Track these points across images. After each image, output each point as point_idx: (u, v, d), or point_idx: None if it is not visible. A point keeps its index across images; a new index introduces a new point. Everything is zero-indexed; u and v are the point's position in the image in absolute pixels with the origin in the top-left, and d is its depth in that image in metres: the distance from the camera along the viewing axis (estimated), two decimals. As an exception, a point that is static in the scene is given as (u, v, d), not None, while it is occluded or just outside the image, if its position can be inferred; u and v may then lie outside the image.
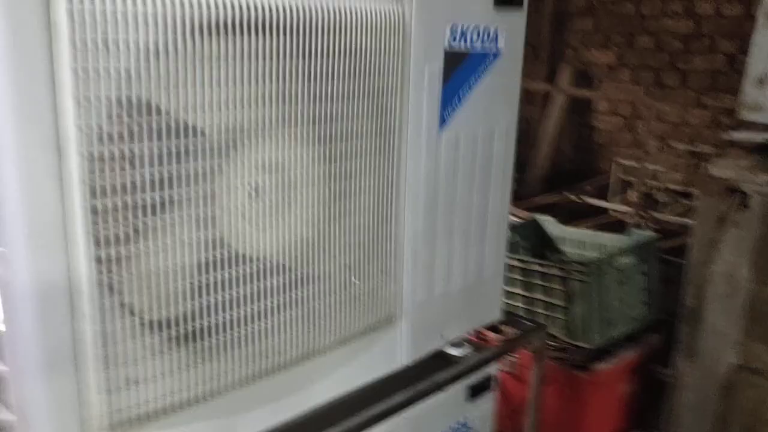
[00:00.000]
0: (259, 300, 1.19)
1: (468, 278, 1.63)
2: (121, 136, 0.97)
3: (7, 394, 1.08)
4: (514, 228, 3.53)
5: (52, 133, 0.90)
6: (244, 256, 1.16)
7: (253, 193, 1.15)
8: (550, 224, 3.55)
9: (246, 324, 1.18)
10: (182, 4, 0.99)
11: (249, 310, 1.18)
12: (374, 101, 1.30)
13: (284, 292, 1.23)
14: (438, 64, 1.40)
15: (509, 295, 3.18)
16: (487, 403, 1.84)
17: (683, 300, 2.76)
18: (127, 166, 0.99)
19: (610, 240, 3.25)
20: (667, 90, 4.57)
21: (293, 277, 1.24)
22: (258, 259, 1.18)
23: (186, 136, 1.04)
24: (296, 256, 1.24)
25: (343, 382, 1.42)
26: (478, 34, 1.46)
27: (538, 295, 3.07)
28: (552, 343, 3.07)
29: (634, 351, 3.08)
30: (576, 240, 3.40)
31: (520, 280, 3.13)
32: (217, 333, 1.15)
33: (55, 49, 0.88)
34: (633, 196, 3.81)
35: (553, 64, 5.22)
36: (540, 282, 3.05)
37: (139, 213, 1.01)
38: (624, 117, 4.86)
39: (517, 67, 1.59)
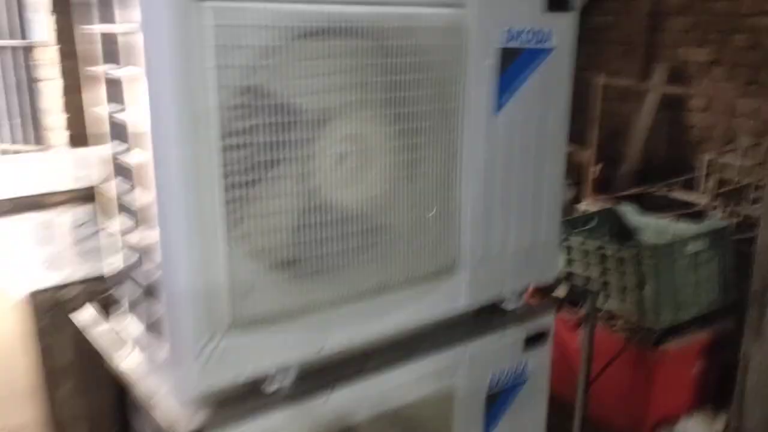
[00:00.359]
0: (343, 240, 1.55)
1: (524, 240, 1.93)
2: (247, 113, 1.36)
3: (164, 318, 1.49)
4: (593, 216, 3.75)
5: (201, 109, 1.29)
6: (332, 205, 1.52)
7: (339, 158, 1.51)
8: (629, 213, 3.73)
9: (333, 258, 1.54)
10: (290, 16, 1.36)
11: (335, 247, 1.54)
12: (439, 89, 1.63)
13: (363, 235, 1.58)
14: (494, 60, 1.71)
15: (585, 278, 3.41)
16: (543, 355, 2.12)
17: (751, 284, 2.90)
18: (250, 134, 1.37)
19: (686, 228, 3.41)
20: (762, 88, 4.59)
21: (370, 224, 1.59)
22: (343, 209, 1.54)
23: (290, 113, 1.41)
24: (372, 209, 1.59)
25: (411, 316, 1.75)
26: (532, 35, 1.76)
27: (613, 279, 3.28)
28: (624, 324, 3.28)
29: (705, 333, 3.23)
30: (653, 228, 3.57)
31: (596, 264, 3.34)
32: (311, 263, 1.51)
33: (205, 49, 1.27)
34: (713, 188, 3.90)
35: (649, 63, 5.33)
36: (614, 266, 3.26)
37: (257, 168, 1.39)
38: (718, 114, 4.91)
39: (569, 60, 1.87)
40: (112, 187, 1.61)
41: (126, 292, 1.68)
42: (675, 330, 3.20)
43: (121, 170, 1.56)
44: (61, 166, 3.64)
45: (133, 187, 1.50)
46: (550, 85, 1.86)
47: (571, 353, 3.45)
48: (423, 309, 1.78)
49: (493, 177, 1.81)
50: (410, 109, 1.60)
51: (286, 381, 1.55)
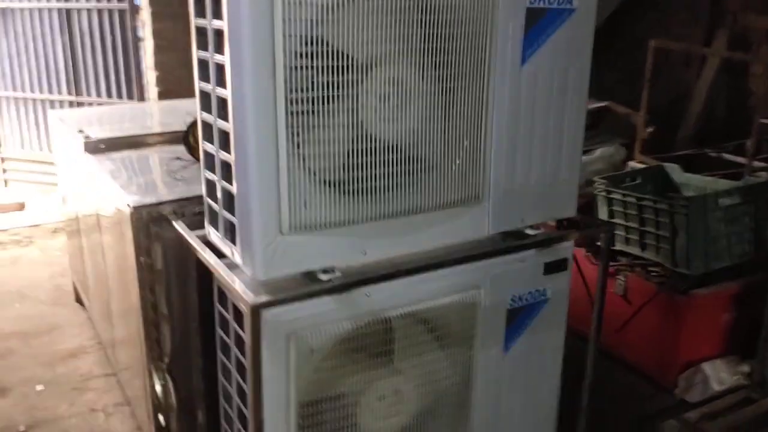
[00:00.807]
0: (383, 167, 1.89)
1: (545, 177, 2.22)
2: (309, 57, 1.70)
3: (236, 210, 1.87)
4: (639, 173, 3.96)
5: (269, 50, 1.64)
6: (376, 137, 1.86)
7: (383, 98, 1.84)
8: (674, 171, 3.93)
9: (374, 181, 1.88)
10: (343, -21, 1.69)
11: (377, 172, 1.88)
12: (470, 42, 1.93)
13: (401, 164, 1.92)
14: (520, 19, 1.99)
15: (623, 227, 3.65)
16: (562, 280, 2.41)
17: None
18: (310, 74, 1.72)
19: (726, 185, 3.59)
20: (824, 54, 4.62)
21: (407, 155, 1.92)
22: (385, 141, 1.88)
23: (343, 58, 1.75)
24: (410, 142, 1.92)
25: (441, 236, 2.09)
26: (555, -4, 2.04)
27: (651, 228, 3.51)
28: (655, 270, 3.52)
29: (735, 284, 3.43)
30: (695, 185, 3.76)
31: (635, 215, 3.58)
32: (356, 184, 1.86)
33: (273, 7, 1.62)
34: (761, 151, 4.01)
35: (712, 29, 5.39)
36: (652, 217, 3.49)
37: (315, 102, 1.74)
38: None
39: (590, 20, 2.14)
40: (198, 129, 2.00)
41: (207, 210, 2.08)
42: (707, 279, 3.41)
43: (207, 106, 1.93)
44: (153, 114, 4.12)
45: (216, 121, 1.87)
46: (572, 42, 2.13)
47: (606, 298, 3.71)
48: (451, 231, 2.11)
49: (517, 120, 2.10)
50: (445, 59, 1.91)
51: (336, 276, 1.91)
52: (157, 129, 3.49)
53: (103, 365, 3.71)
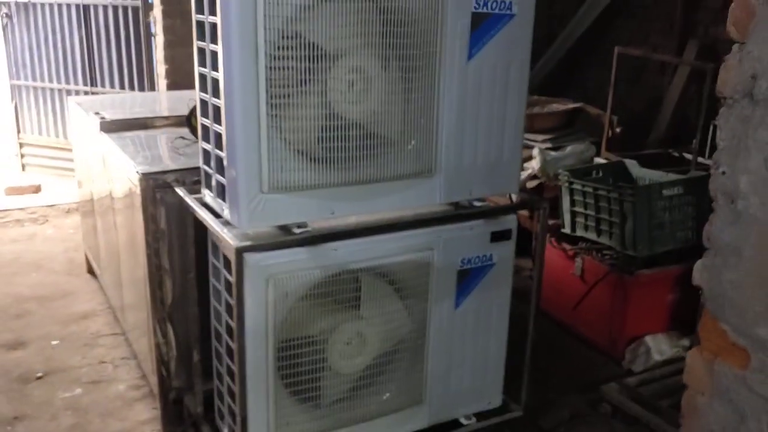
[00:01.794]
0: (348, 141, 2.29)
1: (490, 156, 2.61)
2: (283, 47, 2.11)
3: (225, 171, 2.27)
4: (601, 167, 4.35)
5: (252, 41, 2.05)
6: (343, 116, 2.26)
7: (349, 84, 2.24)
8: (633, 166, 4.31)
9: (340, 152, 2.28)
10: (316, -15, 2.10)
11: (342, 145, 2.28)
12: (423, 38, 2.33)
13: (363, 139, 2.32)
14: (466, 20, 2.39)
15: (583, 215, 4.04)
16: (507, 248, 2.79)
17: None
18: (287, 62, 2.12)
19: (676, 178, 3.97)
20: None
21: (369, 132, 2.32)
22: (350, 120, 2.28)
23: (315, 49, 2.15)
24: (372, 122, 2.32)
25: (399, 202, 2.49)
26: (497, 3, 2.43)
27: (605, 216, 3.90)
28: (608, 253, 3.91)
29: (678, 267, 3.81)
30: (649, 178, 4.14)
31: (593, 203, 3.96)
32: (325, 154, 2.26)
33: (256, 5, 2.03)
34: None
35: (684, 39, 5.77)
36: (606, 205, 3.87)
37: (290, 84, 2.15)
38: (743, 87, 5.32)
39: (529, 24, 2.53)
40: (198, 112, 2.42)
41: (203, 176, 2.49)
42: (652, 262, 3.79)
43: (204, 87, 2.34)
44: (161, 101, 4.55)
45: (210, 99, 2.28)
46: (513, 42, 2.53)
47: (565, 279, 4.11)
48: (407, 198, 2.51)
49: (464, 107, 2.50)
50: (402, 53, 2.31)
51: (307, 231, 2.31)
52: (165, 113, 3.91)
53: (112, 326, 4.12)
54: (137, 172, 2.81)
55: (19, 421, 3.26)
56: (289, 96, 2.17)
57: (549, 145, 4.94)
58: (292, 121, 2.21)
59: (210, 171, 2.41)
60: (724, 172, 1.46)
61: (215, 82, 2.24)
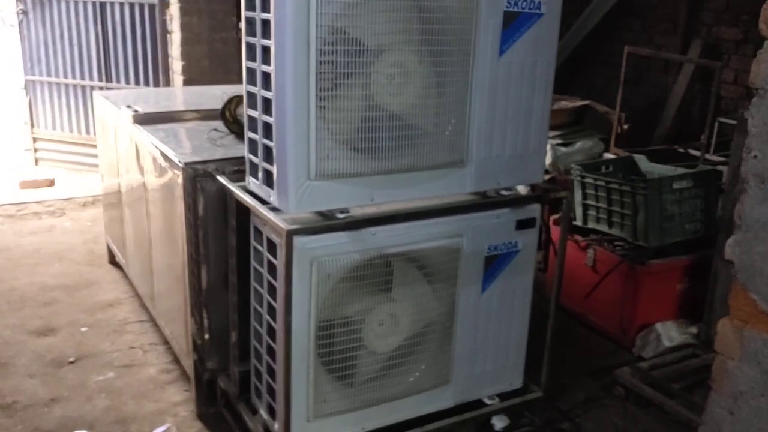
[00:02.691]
0: (388, 131, 2.43)
1: (517, 148, 2.76)
2: (332, 42, 2.25)
3: (274, 161, 2.41)
4: (611, 161, 4.51)
5: (305, 36, 2.19)
6: (383, 108, 2.40)
7: (389, 77, 2.38)
8: (641, 161, 4.47)
9: (380, 142, 2.42)
10: (363, -15, 2.24)
11: (382, 135, 2.42)
12: (458, 36, 2.48)
13: (401, 130, 2.46)
14: (498, 19, 2.54)
15: (594, 207, 4.19)
16: (531, 236, 2.94)
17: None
18: (334, 56, 2.26)
19: (685, 171, 4.12)
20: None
21: (407, 123, 2.47)
22: (390, 111, 2.42)
23: (357, 45, 2.29)
24: (410, 113, 2.47)
25: (432, 190, 2.63)
26: (527, 3, 2.58)
27: (616, 208, 4.05)
28: (619, 244, 4.06)
29: (688, 257, 3.97)
30: (657, 172, 4.29)
31: (605, 196, 4.12)
32: (366, 144, 2.40)
33: (309, 2, 2.17)
34: (718, 147, 4.54)
35: (688, 39, 5.94)
36: (618, 198, 4.03)
37: (336, 77, 2.29)
38: (745, 87, 5.49)
39: (555, 23, 2.68)
40: (244, 101, 2.55)
41: (248, 164, 2.62)
42: (663, 252, 3.95)
43: (252, 80, 2.47)
44: (184, 96, 4.68)
45: (259, 92, 2.42)
46: (541, 40, 2.68)
47: (577, 269, 4.26)
48: (440, 187, 2.66)
49: (494, 101, 2.65)
50: (437, 48, 2.46)
51: (349, 216, 2.45)
52: (193, 107, 4.04)
53: (138, 313, 4.25)
54: (179, 162, 2.95)
55: (55, 402, 3.39)
56: (335, 88, 2.31)
57: (559, 140, 5.09)
58: (336, 113, 2.35)
59: (256, 160, 2.54)
60: (755, 156, 1.61)
61: (265, 75, 2.37)
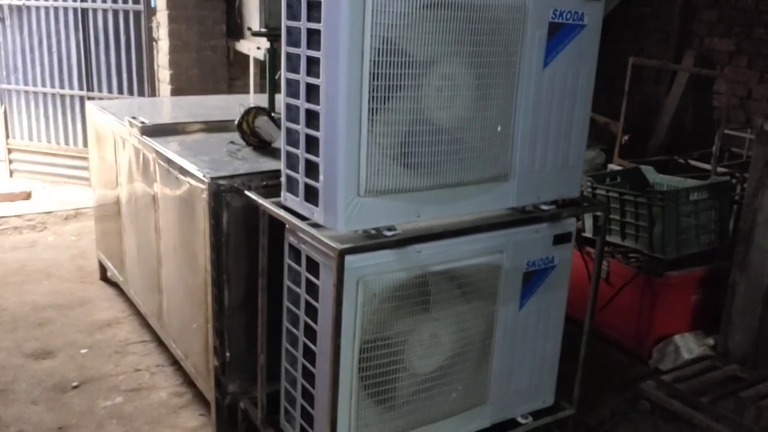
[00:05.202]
0: (436, 146, 2.34)
1: (558, 162, 2.70)
2: (384, 53, 2.15)
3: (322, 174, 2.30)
4: (619, 173, 4.49)
5: (359, 47, 2.09)
6: (432, 121, 2.32)
7: (438, 89, 2.30)
8: (649, 172, 4.46)
9: (429, 157, 2.33)
10: (418, -6, 2.16)
11: (431, 149, 2.33)
12: (505, 48, 2.40)
13: (449, 144, 2.38)
14: (544, 30, 2.48)
15: (609, 220, 4.16)
16: (567, 250, 2.89)
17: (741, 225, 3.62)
18: (385, 68, 2.17)
19: (695, 183, 4.13)
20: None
21: (455, 137, 2.38)
22: (438, 125, 2.33)
23: (408, 56, 2.20)
24: (458, 127, 2.38)
25: (477, 205, 2.55)
26: (571, 14, 2.53)
27: (630, 220, 4.03)
28: (634, 256, 4.03)
29: (704, 268, 3.96)
30: (668, 184, 4.29)
31: (618, 208, 4.09)
32: (415, 157, 2.31)
33: (365, 12, 2.07)
34: (724, 157, 4.57)
35: (681, 50, 6.00)
36: (632, 209, 4.00)
37: (388, 90, 2.19)
38: (739, 98, 5.56)
39: (596, 35, 2.63)
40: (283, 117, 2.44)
41: (285, 180, 2.50)
42: (678, 264, 3.93)
43: (293, 93, 2.36)
44: (180, 106, 4.52)
45: (303, 104, 2.30)
46: (583, 52, 2.62)
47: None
48: (485, 201, 2.58)
49: (538, 114, 2.58)
50: (485, 59, 2.38)
51: (397, 233, 2.36)
52: (200, 118, 3.89)
53: (139, 333, 4.07)
54: (204, 176, 2.81)
55: (63, 431, 3.20)
56: (385, 101, 2.22)
57: (561, 151, 5.06)
58: (386, 126, 2.25)
59: (296, 175, 2.43)
60: None
61: (310, 87, 2.26)
